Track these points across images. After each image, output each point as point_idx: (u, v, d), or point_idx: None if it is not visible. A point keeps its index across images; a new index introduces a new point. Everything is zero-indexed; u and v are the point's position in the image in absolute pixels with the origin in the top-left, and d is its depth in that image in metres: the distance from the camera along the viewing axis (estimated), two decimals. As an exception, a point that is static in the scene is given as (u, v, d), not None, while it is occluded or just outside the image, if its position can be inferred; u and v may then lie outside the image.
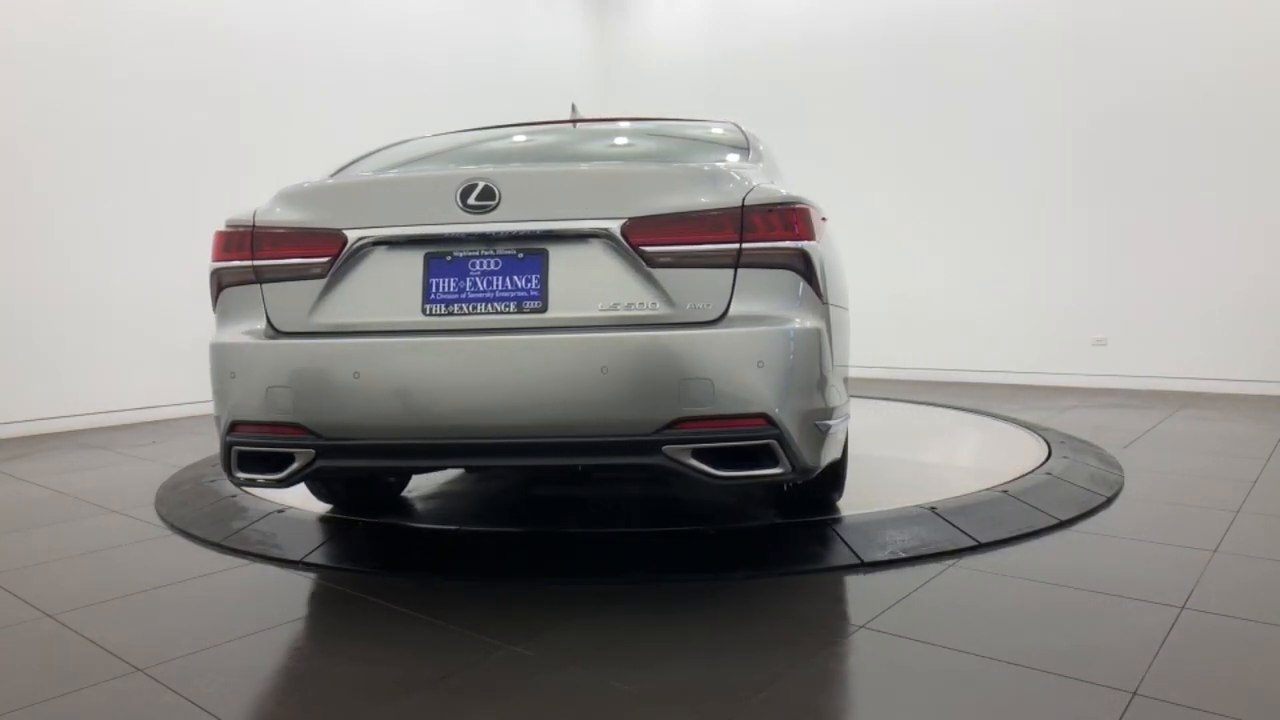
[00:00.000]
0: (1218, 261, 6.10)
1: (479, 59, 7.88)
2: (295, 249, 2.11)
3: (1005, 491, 2.94)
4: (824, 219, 2.26)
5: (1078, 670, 1.72)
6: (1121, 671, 1.71)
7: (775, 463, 1.98)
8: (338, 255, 2.07)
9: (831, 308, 2.13)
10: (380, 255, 2.08)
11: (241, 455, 2.12)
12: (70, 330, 5.25)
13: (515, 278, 2.03)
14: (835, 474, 2.60)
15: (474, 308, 2.03)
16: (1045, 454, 3.57)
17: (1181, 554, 2.47)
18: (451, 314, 2.03)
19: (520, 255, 2.03)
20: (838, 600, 2.16)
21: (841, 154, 7.71)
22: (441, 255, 2.05)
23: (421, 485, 3.27)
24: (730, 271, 1.98)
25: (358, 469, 2.22)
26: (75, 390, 5.28)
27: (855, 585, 2.26)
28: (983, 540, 2.55)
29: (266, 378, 2.05)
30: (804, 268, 2.02)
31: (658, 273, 1.98)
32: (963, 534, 2.57)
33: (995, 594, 2.18)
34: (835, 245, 2.41)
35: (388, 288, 2.07)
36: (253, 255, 2.14)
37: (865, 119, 7.62)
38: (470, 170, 2.07)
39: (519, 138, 2.96)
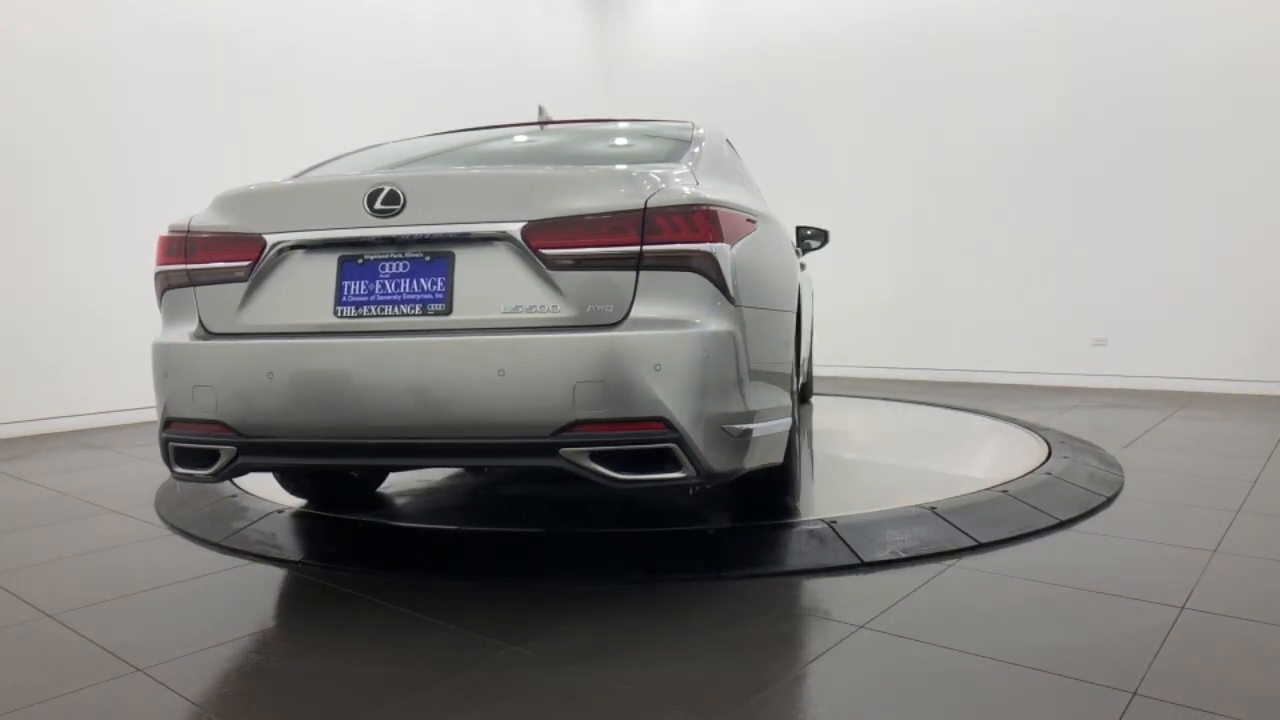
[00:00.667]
0: (1218, 261, 6.10)
1: (479, 59, 7.88)
2: (222, 253, 2.18)
3: (1005, 491, 2.94)
4: (750, 220, 2.24)
5: (1078, 670, 1.72)
6: (1121, 671, 1.71)
7: (678, 467, 1.96)
8: (258, 259, 2.14)
9: (748, 310, 2.10)
10: (298, 259, 2.14)
11: (177, 451, 2.20)
12: (70, 330, 5.25)
13: (422, 280, 2.06)
14: (784, 477, 2.52)
15: (382, 310, 2.07)
16: (1045, 454, 3.57)
17: (1181, 554, 2.47)
18: (361, 316, 2.07)
19: (427, 258, 2.06)
20: (838, 600, 2.16)
21: (841, 153, 7.71)
22: (354, 258, 2.10)
23: (421, 485, 3.27)
24: (632, 274, 1.97)
25: (279, 466, 2.29)
26: (75, 390, 5.28)
27: (855, 585, 2.26)
28: (983, 540, 2.55)
29: (193, 377, 2.13)
30: (711, 270, 1.99)
31: (557, 275, 1.98)
32: (963, 534, 2.57)
33: (995, 594, 2.18)
34: (770, 246, 2.39)
35: (304, 290, 2.12)
36: (186, 259, 2.23)
37: (865, 119, 7.62)
38: (378, 175, 2.13)
39: (474, 141, 3.00)
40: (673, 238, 1.97)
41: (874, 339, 7.36)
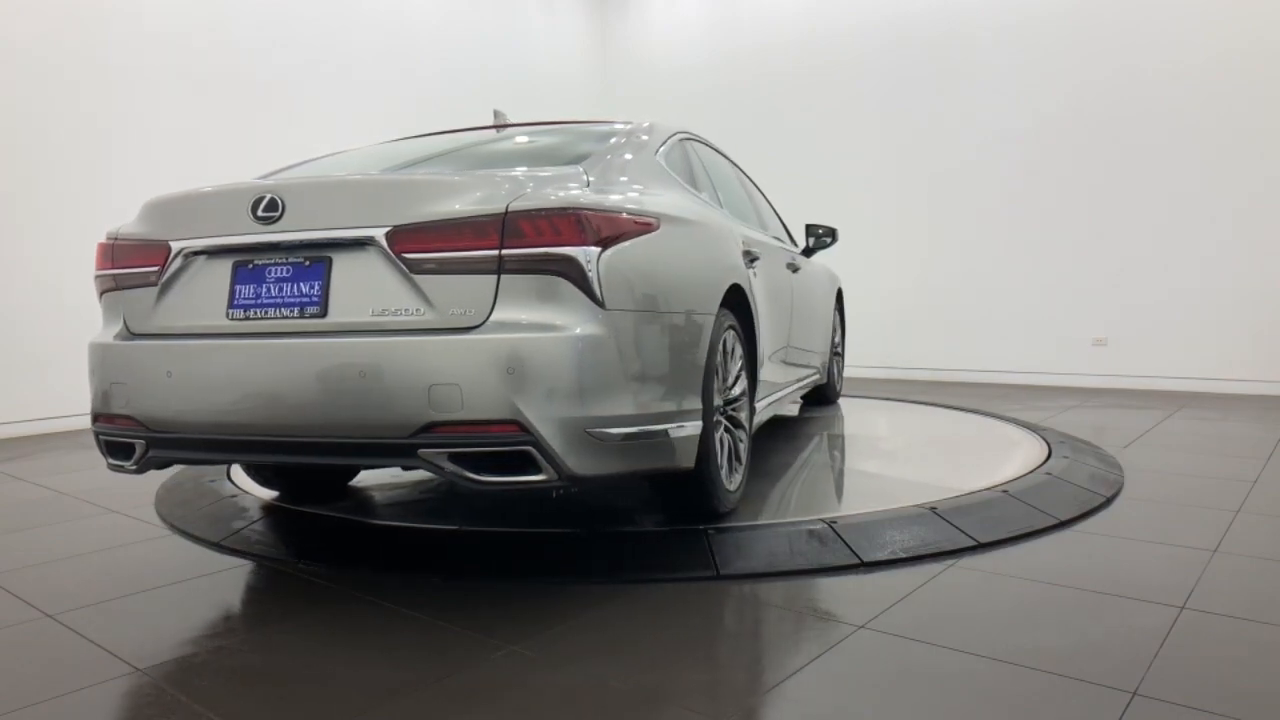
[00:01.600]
0: (1217, 261, 6.10)
1: (479, 59, 7.89)
2: (138, 259, 2.34)
3: (1005, 491, 2.94)
4: (643, 222, 2.23)
5: (1078, 670, 1.72)
6: (1121, 671, 1.71)
7: (537, 470, 1.97)
8: (165, 265, 2.27)
9: (629, 313, 2.10)
10: (200, 264, 2.26)
11: (107, 444, 2.34)
12: (70, 331, 5.24)
13: (301, 284, 2.13)
14: (700, 482, 2.48)
15: (266, 313, 2.15)
16: (1045, 454, 3.57)
17: (1181, 554, 2.47)
18: (248, 318, 2.17)
19: (306, 263, 2.14)
20: (838, 600, 2.16)
21: (841, 153, 7.72)
22: (245, 263, 2.20)
23: (421, 484, 3.27)
24: (493, 278, 1.99)
25: (185, 460, 2.36)
26: (75, 391, 5.27)
27: (855, 585, 2.26)
28: (983, 540, 2.55)
29: (111, 375, 2.29)
30: (574, 274, 2.00)
31: (421, 279, 2.02)
32: (963, 534, 2.57)
33: (995, 594, 2.18)
34: (678, 249, 2.37)
35: (203, 294, 2.24)
36: (113, 265, 2.40)
37: (864, 119, 7.62)
38: (262, 183, 2.22)
39: (420, 145, 3.09)
40: (535, 241, 1.99)
41: (873, 339, 7.36)
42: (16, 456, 4.47)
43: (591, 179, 2.27)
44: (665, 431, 2.24)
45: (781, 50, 8.06)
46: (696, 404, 2.37)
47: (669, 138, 2.99)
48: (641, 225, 2.22)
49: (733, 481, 2.70)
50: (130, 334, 2.33)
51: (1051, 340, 6.78)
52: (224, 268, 2.21)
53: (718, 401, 2.58)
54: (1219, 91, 6.02)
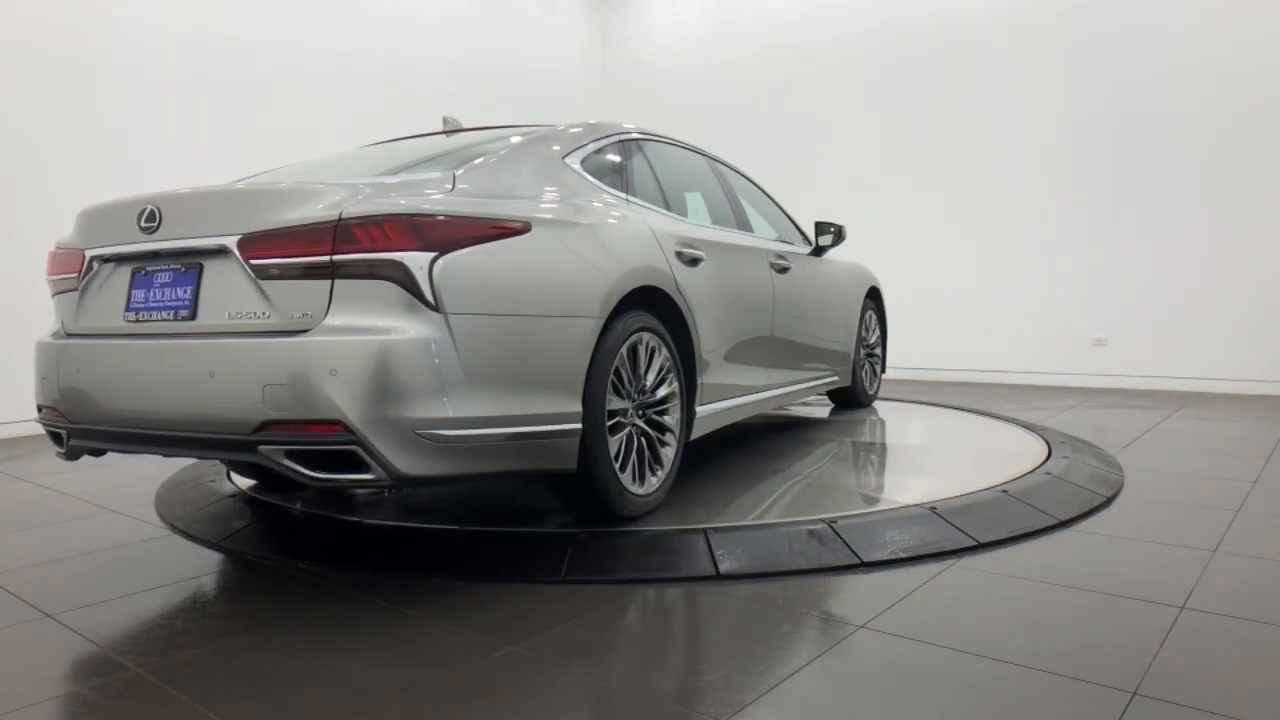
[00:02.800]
0: (1218, 262, 6.10)
1: (479, 59, 7.88)
2: (66, 266, 2.54)
3: (1005, 491, 2.94)
4: (501, 226, 2.26)
5: (1078, 670, 1.72)
6: (1121, 671, 1.71)
7: (366, 468, 2.04)
8: (81, 271, 2.48)
9: (462, 316, 2.12)
10: (107, 270, 2.45)
11: (49, 433, 2.55)
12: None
13: (177, 289, 2.29)
14: (590, 484, 2.50)
15: (151, 315, 2.32)
16: (1045, 454, 3.56)
17: (1181, 554, 2.47)
18: (139, 320, 2.34)
19: (182, 269, 2.29)
20: (837, 600, 2.16)
21: (840, 154, 7.72)
22: (140, 270, 2.37)
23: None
24: (327, 282, 2.07)
25: (99, 449, 2.48)
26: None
27: (855, 585, 2.26)
28: (983, 540, 2.55)
29: (41, 370, 2.53)
30: (403, 278, 2.05)
31: (266, 284, 2.12)
32: (963, 534, 2.57)
33: (995, 594, 2.18)
34: (549, 252, 2.37)
35: (108, 297, 2.43)
36: (52, 271, 2.61)
37: (865, 120, 7.62)
38: (148, 194, 2.36)
39: (368, 151, 3.22)
40: (366, 247, 2.05)
41: (874, 339, 7.35)
42: (16, 456, 4.47)
43: (461, 184, 2.33)
44: (531, 434, 2.28)
45: (782, 50, 8.06)
46: (575, 407, 2.39)
47: (599, 140, 3.00)
48: (503, 229, 2.26)
49: (645, 485, 2.70)
50: (65, 334, 2.54)
51: (1051, 340, 6.78)
52: (125, 274, 2.40)
53: (618, 405, 2.60)
54: (1219, 92, 6.02)
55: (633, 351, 2.66)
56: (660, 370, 2.80)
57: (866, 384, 5.11)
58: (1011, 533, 2.63)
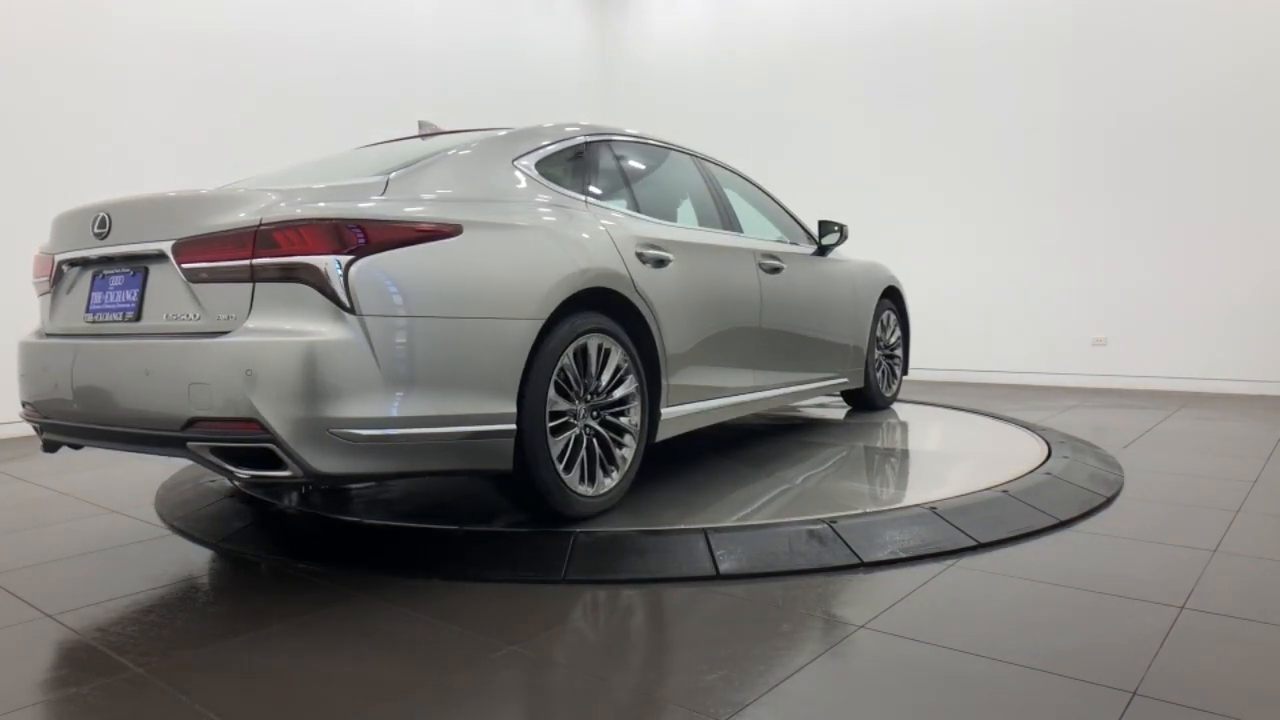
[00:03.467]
0: (1217, 262, 6.10)
1: (479, 59, 7.88)
2: (42, 270, 2.70)
3: (1005, 491, 2.94)
4: (428, 230, 2.29)
5: (1078, 670, 1.72)
6: (1121, 671, 1.71)
7: (282, 466, 2.10)
8: (52, 275, 2.63)
9: (380, 318, 2.15)
10: (72, 274, 2.59)
11: (34, 427, 2.67)
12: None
13: (126, 292, 2.40)
14: (528, 484, 2.52)
15: (105, 316, 2.44)
16: (1045, 454, 3.56)
17: (1181, 554, 2.47)
18: (96, 321, 2.46)
19: (131, 273, 2.40)
20: (838, 600, 2.16)
21: (840, 154, 7.72)
22: (98, 273, 2.50)
23: (420, 485, 3.27)
24: (249, 286, 2.14)
25: (65, 443, 2.59)
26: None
27: (855, 585, 2.26)
28: (983, 540, 2.55)
29: (20, 368, 2.66)
30: (318, 281, 2.11)
31: (197, 287, 2.22)
32: (963, 534, 2.57)
33: (995, 594, 2.18)
34: (467, 254, 2.37)
35: (74, 299, 2.57)
36: (35, 275, 2.76)
37: (864, 119, 7.62)
38: (103, 201, 2.47)
39: (342, 155, 3.28)
40: (284, 251, 2.12)
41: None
42: (16, 456, 4.47)
43: (395, 189, 2.38)
44: (459, 434, 2.31)
45: (782, 49, 8.06)
46: (508, 408, 2.40)
47: (558, 142, 3.00)
48: (429, 232, 2.29)
49: (596, 486, 2.71)
50: (44, 334, 2.67)
51: (1051, 340, 6.78)
52: (86, 277, 2.54)
53: (564, 406, 2.62)
54: (1220, 92, 6.02)
55: (582, 352, 2.68)
56: (616, 371, 2.81)
57: (882, 385, 4.99)
58: (1011, 533, 2.63)
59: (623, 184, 3.29)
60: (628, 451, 2.86)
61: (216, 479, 3.41)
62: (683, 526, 2.59)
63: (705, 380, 3.31)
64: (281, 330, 2.09)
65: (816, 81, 7.87)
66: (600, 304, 2.76)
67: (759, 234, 4.04)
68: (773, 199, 4.34)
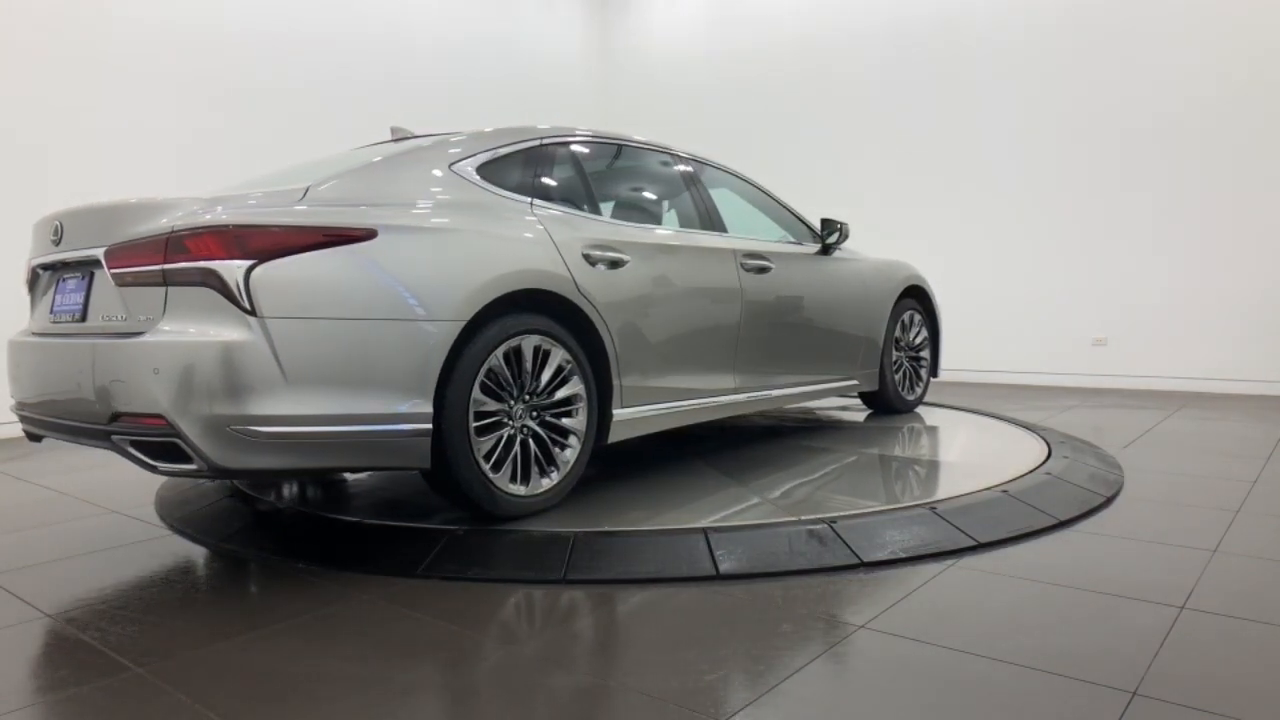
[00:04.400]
0: (1217, 262, 6.10)
1: (479, 59, 7.88)
2: (26, 274, 2.88)
3: (1005, 491, 2.94)
4: (333, 234, 2.36)
5: (1078, 670, 1.72)
6: (1121, 671, 1.71)
7: (189, 459, 2.23)
8: (30, 278, 2.84)
9: (282, 320, 2.24)
10: (45, 278, 2.76)
11: (19, 418, 2.80)
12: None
13: (76, 295, 2.56)
14: (455, 483, 2.57)
15: (61, 317, 2.61)
16: (1045, 454, 3.56)
17: (1181, 554, 2.47)
18: (55, 322, 2.63)
19: (81, 277, 2.56)
20: (838, 600, 2.16)
21: (840, 154, 7.72)
22: (60, 277, 2.67)
23: (420, 485, 3.27)
24: (162, 290, 2.28)
25: (40, 436, 2.72)
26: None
27: (855, 585, 2.26)
28: (983, 540, 2.55)
29: (6, 366, 2.83)
30: (219, 285, 2.22)
31: (123, 290, 2.35)
32: (963, 534, 2.57)
33: (995, 594, 2.18)
34: (381, 258, 2.41)
35: (44, 302, 2.74)
36: (25, 278, 2.90)
37: (864, 120, 7.62)
38: (58, 210, 2.64)
39: (323, 158, 3.31)
40: (191, 257, 2.25)
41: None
42: (16, 456, 4.47)
43: (316, 195, 2.46)
44: (369, 432, 2.37)
45: (781, 49, 8.06)
46: (423, 408, 2.44)
47: (504, 145, 3.02)
48: (338, 236, 2.37)
49: (531, 486, 2.74)
50: (28, 333, 2.81)
51: (1051, 340, 6.78)
52: (52, 280, 2.71)
53: (493, 406, 2.64)
54: (1221, 92, 6.02)
55: (517, 353, 2.70)
56: (559, 373, 2.83)
57: (902, 388, 4.83)
58: (1011, 533, 2.63)
59: (581, 186, 3.29)
60: (571, 453, 2.87)
61: (216, 479, 3.41)
62: (683, 526, 2.59)
63: (671, 382, 3.28)
64: (187, 331, 2.22)
65: (816, 79, 7.86)
66: (540, 306, 2.79)
67: (749, 234, 3.96)
68: (773, 198, 4.28)
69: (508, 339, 2.65)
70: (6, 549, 2.79)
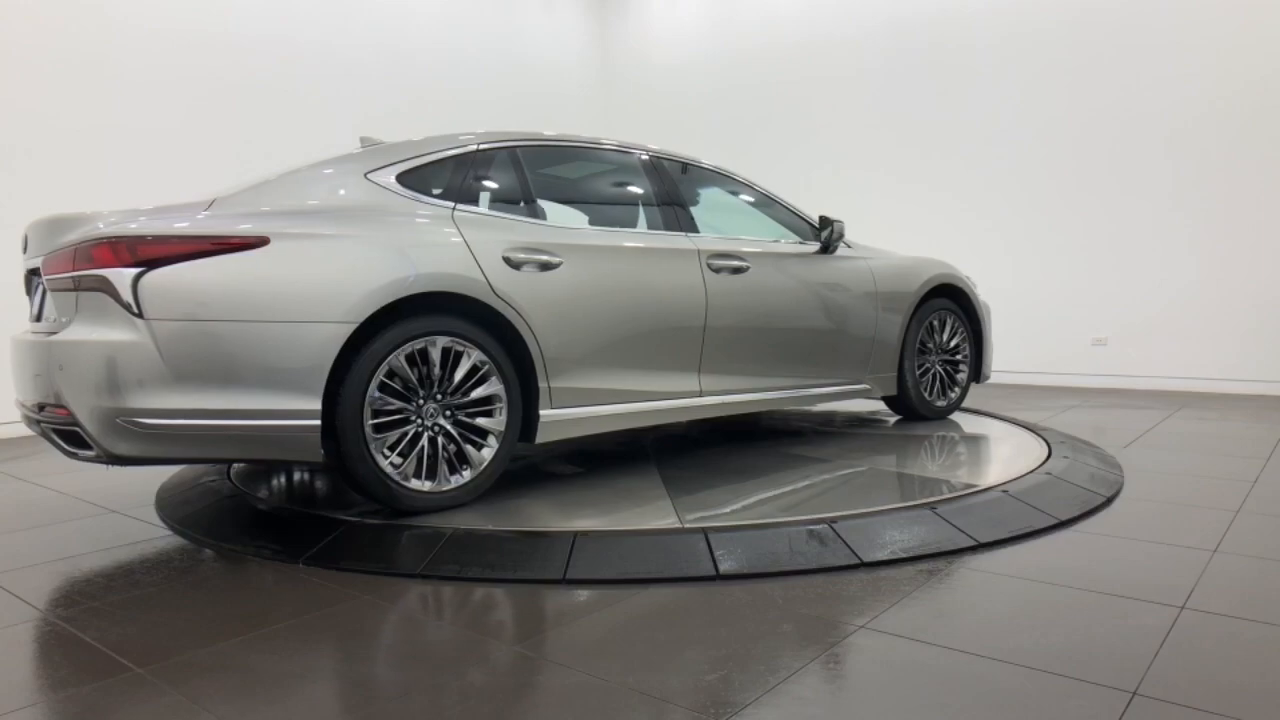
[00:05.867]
0: (1217, 262, 6.10)
1: (479, 60, 7.88)
2: (25, 277, 3.06)
3: (1005, 491, 2.94)
4: (241, 241, 2.54)
5: (1078, 670, 1.72)
6: (1121, 671, 1.71)
7: (90, 447, 2.47)
8: (25, 283, 3.03)
9: (168, 323, 2.44)
10: (35, 281, 2.90)
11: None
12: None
13: (39, 298, 2.85)
14: (353, 477, 2.69)
15: (34, 319, 2.92)
16: (1045, 454, 3.56)
17: (1181, 554, 2.47)
18: (33, 323, 2.91)
19: (39, 283, 2.78)
20: (837, 600, 2.16)
21: (840, 154, 7.72)
22: (36, 282, 2.87)
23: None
24: (75, 295, 2.51)
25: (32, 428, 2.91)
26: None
27: (855, 585, 2.26)
28: (983, 540, 2.56)
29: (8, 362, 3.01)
30: (109, 290, 2.45)
31: (53, 295, 2.62)
32: (963, 534, 2.57)
33: (995, 594, 2.18)
34: (271, 264, 2.56)
35: (33, 303, 2.97)
36: None
37: (864, 120, 7.62)
38: (32, 220, 2.82)
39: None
40: (91, 265, 2.47)
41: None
42: (16, 456, 4.47)
43: (221, 207, 2.66)
44: (255, 427, 2.53)
45: (781, 50, 8.05)
46: (310, 405, 2.56)
47: (430, 153, 3.09)
48: (230, 245, 2.54)
49: (437, 483, 2.82)
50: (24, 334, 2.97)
51: (1051, 340, 6.78)
52: (33, 285, 2.94)
53: (395, 404, 2.73)
54: (1221, 92, 6.02)
55: (423, 354, 2.78)
56: (475, 373, 2.88)
57: (930, 393, 4.53)
58: (1011, 533, 2.63)
59: (520, 189, 3.30)
60: (488, 452, 2.92)
61: (217, 479, 3.41)
62: (683, 526, 2.59)
63: (616, 383, 3.26)
64: (86, 332, 2.47)
65: (815, 80, 7.86)
66: (453, 308, 2.85)
67: (734, 233, 3.84)
68: (770, 197, 4.18)
69: (409, 340, 2.74)
70: (6, 549, 2.79)
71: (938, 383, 4.59)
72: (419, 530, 2.64)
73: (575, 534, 2.52)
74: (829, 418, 4.86)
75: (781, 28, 8.06)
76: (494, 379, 2.92)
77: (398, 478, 2.73)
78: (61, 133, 5.31)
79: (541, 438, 3.06)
